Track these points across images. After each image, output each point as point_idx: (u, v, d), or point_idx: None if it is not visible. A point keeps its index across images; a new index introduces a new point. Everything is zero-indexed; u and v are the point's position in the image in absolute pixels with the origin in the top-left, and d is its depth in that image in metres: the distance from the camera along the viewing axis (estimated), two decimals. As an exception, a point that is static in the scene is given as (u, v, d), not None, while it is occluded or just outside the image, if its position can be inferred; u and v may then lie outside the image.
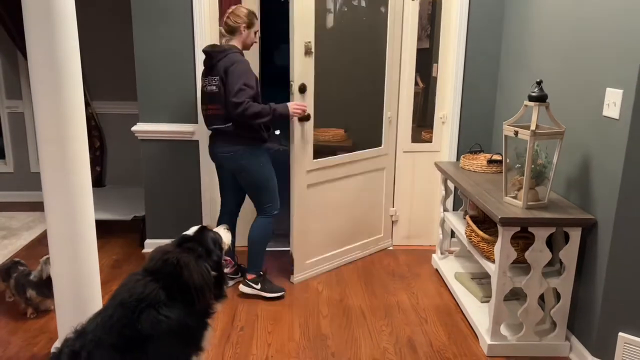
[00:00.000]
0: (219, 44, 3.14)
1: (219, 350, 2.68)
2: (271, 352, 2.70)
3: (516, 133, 2.57)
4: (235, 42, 3.08)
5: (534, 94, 2.55)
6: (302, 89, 3.17)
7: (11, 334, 2.78)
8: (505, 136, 2.66)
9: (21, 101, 4.73)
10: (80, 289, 2.41)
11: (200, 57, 3.53)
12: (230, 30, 3.07)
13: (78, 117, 2.28)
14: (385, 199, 3.90)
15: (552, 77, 2.86)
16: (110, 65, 4.54)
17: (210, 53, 3.04)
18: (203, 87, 3.11)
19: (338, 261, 3.69)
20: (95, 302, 2.48)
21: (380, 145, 3.78)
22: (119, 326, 1.76)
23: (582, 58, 2.61)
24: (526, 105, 2.58)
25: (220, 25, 3.17)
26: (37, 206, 4.23)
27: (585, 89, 2.57)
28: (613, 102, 2.32)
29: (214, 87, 3.01)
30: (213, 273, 1.95)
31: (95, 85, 4.58)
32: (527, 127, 2.52)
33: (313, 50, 3.17)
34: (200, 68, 3.53)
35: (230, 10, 3.08)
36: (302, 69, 3.15)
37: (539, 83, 2.56)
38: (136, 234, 3.96)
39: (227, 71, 2.95)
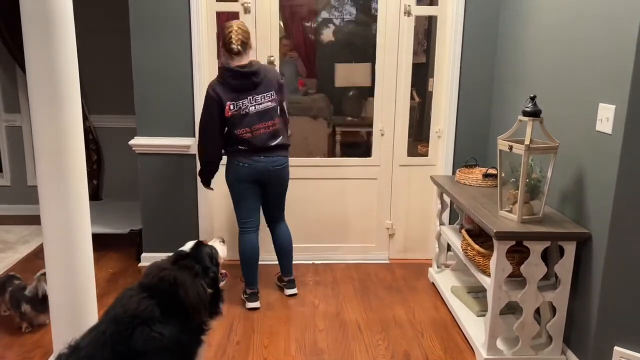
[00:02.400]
0: (245, 62, 3.03)
1: (215, 365, 2.67)
2: (267, 366, 2.69)
3: (510, 148, 2.60)
4: (252, 57, 3.11)
5: (528, 109, 2.58)
6: None
7: (6, 349, 2.77)
8: (500, 151, 2.68)
9: (19, 115, 4.75)
10: (76, 302, 2.40)
11: (200, 72, 3.57)
12: (246, 46, 3.03)
13: (76, 130, 2.29)
14: (379, 211, 3.93)
15: (546, 92, 2.89)
16: (108, 79, 4.57)
17: (256, 71, 3.03)
18: (243, 108, 3.02)
19: (316, 255, 3.96)
20: (91, 316, 2.47)
21: (369, 155, 3.93)
22: (112, 342, 1.76)
23: (576, 73, 2.64)
24: (520, 120, 2.61)
25: (224, 46, 3.04)
26: (34, 220, 4.22)
27: (578, 104, 2.60)
28: (606, 118, 2.35)
29: (270, 103, 3.07)
30: (209, 290, 1.95)
31: (93, 99, 4.60)
32: (522, 142, 2.54)
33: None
34: (199, 82, 3.58)
35: (234, 28, 3.02)
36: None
37: (533, 98, 2.59)
38: (133, 248, 3.96)
39: (280, 84, 3.13)
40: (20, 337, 2.88)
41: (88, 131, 4.53)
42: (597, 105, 2.42)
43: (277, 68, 3.71)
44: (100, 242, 3.65)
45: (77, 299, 2.40)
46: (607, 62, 2.36)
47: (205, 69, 3.60)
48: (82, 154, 2.36)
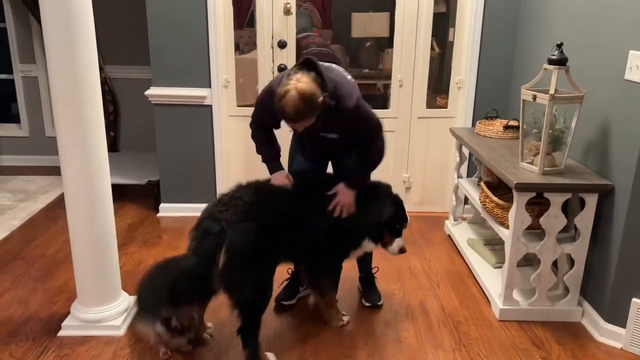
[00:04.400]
0: None
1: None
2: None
3: (534, 97, 2.53)
4: None
5: (554, 56, 2.50)
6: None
7: (31, 294, 2.85)
8: (523, 100, 2.62)
9: (35, 65, 4.73)
10: (98, 250, 2.45)
11: (215, 19, 3.50)
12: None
13: (92, 79, 2.28)
14: (395, 164, 3.89)
15: (572, 40, 2.78)
16: (123, 29, 4.50)
17: None
18: None
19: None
20: (112, 262, 2.53)
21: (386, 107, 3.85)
22: None
23: (604, 20, 2.54)
24: (545, 69, 2.53)
25: None
26: (53, 171, 4.28)
27: (607, 52, 2.51)
28: (636, 65, 2.27)
29: None
30: None
31: (108, 50, 4.55)
32: (546, 92, 2.47)
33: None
34: (214, 31, 3.52)
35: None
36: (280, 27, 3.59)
37: (560, 45, 2.50)
38: (150, 198, 4.00)
39: None
40: (44, 282, 2.96)
41: (104, 82, 4.50)
42: (626, 53, 2.33)
43: (293, 17, 3.62)
44: (118, 193, 3.68)
45: (98, 246, 2.45)
46: (638, 6, 2.26)
47: (220, 15, 3.53)
48: (100, 102, 2.35)
